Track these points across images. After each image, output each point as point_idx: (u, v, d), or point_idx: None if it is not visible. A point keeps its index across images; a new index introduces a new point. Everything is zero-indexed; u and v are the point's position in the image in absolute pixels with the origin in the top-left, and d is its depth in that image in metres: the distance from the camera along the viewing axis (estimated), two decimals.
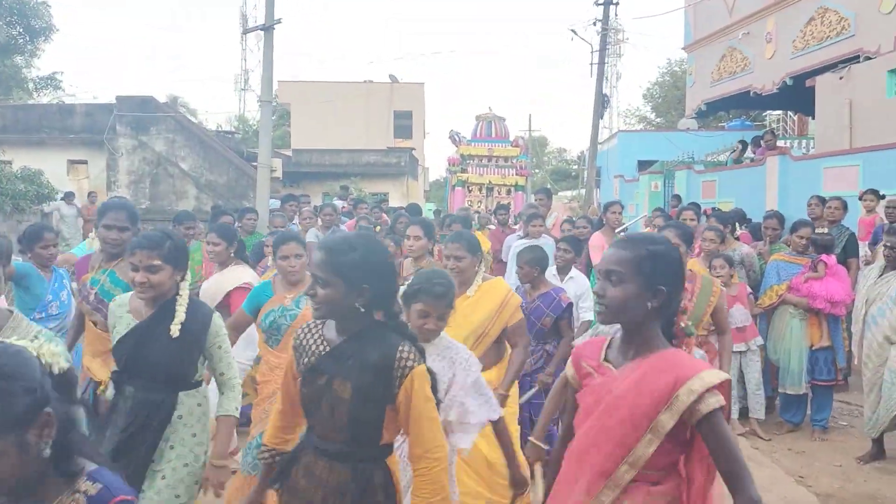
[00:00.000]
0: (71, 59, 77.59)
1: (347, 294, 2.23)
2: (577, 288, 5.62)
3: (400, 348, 2.24)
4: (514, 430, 3.78)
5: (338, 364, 2.27)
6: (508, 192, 15.17)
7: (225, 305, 4.71)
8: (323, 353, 2.33)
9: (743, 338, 5.95)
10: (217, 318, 3.12)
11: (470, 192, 15.22)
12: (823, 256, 5.99)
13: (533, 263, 4.87)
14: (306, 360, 2.36)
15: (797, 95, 15.23)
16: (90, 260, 3.99)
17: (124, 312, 3.08)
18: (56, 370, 1.47)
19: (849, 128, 11.96)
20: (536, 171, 42.64)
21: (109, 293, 3.65)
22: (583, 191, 27.01)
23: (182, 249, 3.08)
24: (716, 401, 1.94)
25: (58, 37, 14.34)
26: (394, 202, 23.01)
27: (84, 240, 6.79)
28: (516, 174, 15.31)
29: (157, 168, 19.23)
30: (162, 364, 2.95)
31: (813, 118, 14.94)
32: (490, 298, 3.85)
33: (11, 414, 1.36)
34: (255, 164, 14.42)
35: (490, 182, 15.24)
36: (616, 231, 7.71)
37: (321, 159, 25.54)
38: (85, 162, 19.78)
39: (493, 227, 9.45)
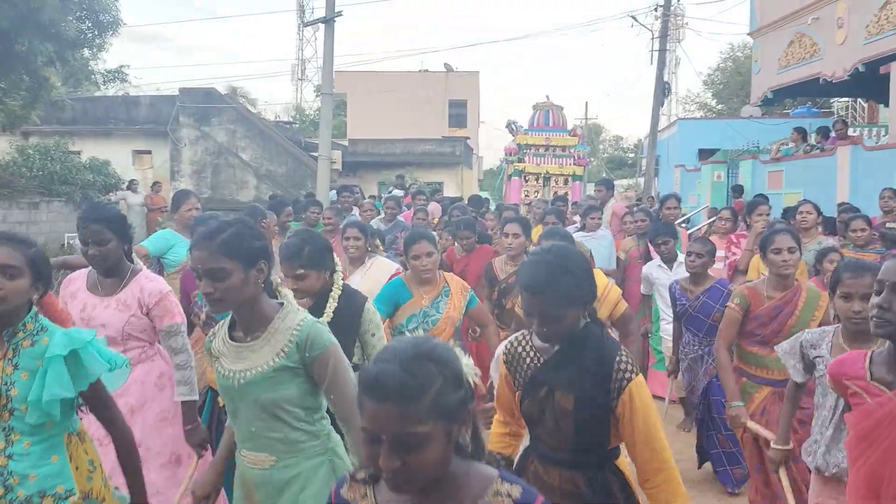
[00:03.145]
0: (134, 51, 79.54)
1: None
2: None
3: (618, 358, 2.17)
4: None
5: (556, 374, 2.21)
6: (566, 181, 14.96)
7: None
8: (538, 364, 2.28)
9: None
10: (370, 306, 3.19)
11: (527, 181, 15.06)
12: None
13: (712, 254, 4.80)
14: (522, 372, 2.31)
15: (869, 82, 14.64)
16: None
17: None
18: (468, 381, 1.44)
19: None
20: (592, 159, 42.10)
21: None
22: (640, 179, 26.59)
23: (321, 250, 3.10)
24: None
25: (124, 30, 14.63)
26: (448, 191, 23.00)
27: (159, 229, 6.87)
28: (574, 164, 15.07)
29: (218, 158, 19.63)
30: None
31: (886, 106, 14.35)
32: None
33: (448, 403, 1.37)
34: (313, 154, 14.57)
35: (547, 172, 15.02)
36: (677, 224, 7.50)
37: (377, 149, 25.67)
38: (149, 152, 20.31)
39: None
